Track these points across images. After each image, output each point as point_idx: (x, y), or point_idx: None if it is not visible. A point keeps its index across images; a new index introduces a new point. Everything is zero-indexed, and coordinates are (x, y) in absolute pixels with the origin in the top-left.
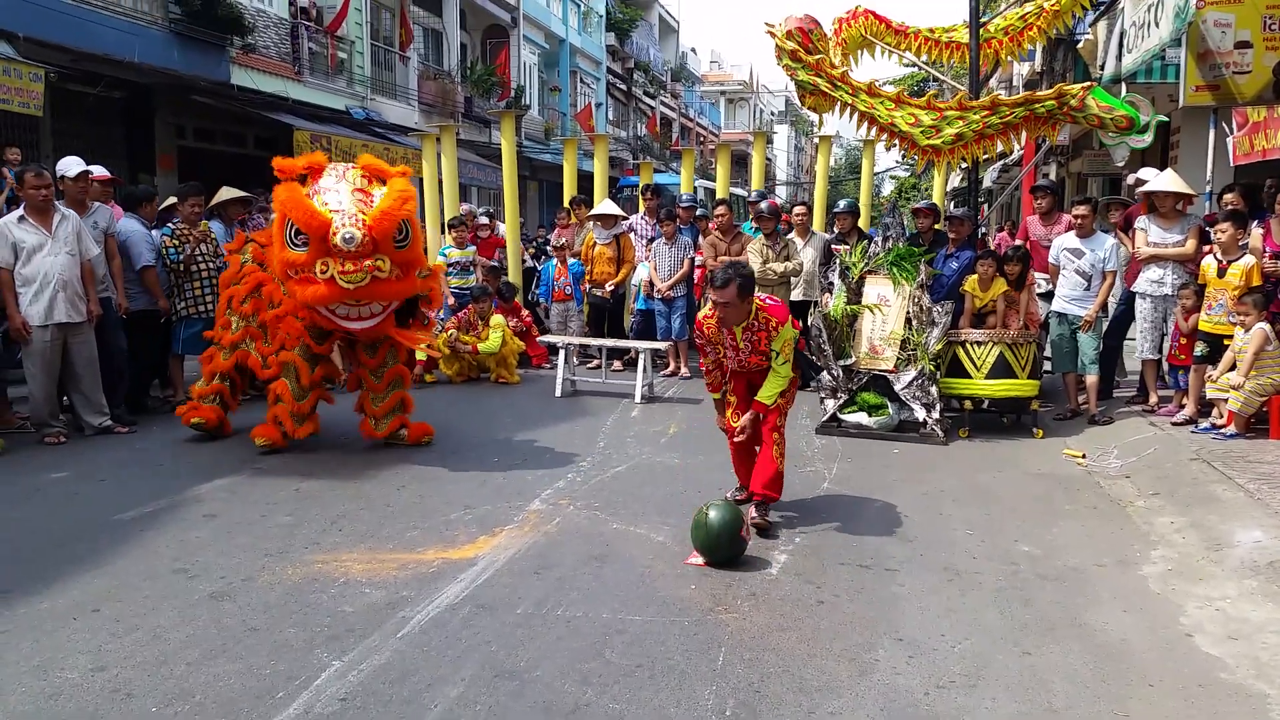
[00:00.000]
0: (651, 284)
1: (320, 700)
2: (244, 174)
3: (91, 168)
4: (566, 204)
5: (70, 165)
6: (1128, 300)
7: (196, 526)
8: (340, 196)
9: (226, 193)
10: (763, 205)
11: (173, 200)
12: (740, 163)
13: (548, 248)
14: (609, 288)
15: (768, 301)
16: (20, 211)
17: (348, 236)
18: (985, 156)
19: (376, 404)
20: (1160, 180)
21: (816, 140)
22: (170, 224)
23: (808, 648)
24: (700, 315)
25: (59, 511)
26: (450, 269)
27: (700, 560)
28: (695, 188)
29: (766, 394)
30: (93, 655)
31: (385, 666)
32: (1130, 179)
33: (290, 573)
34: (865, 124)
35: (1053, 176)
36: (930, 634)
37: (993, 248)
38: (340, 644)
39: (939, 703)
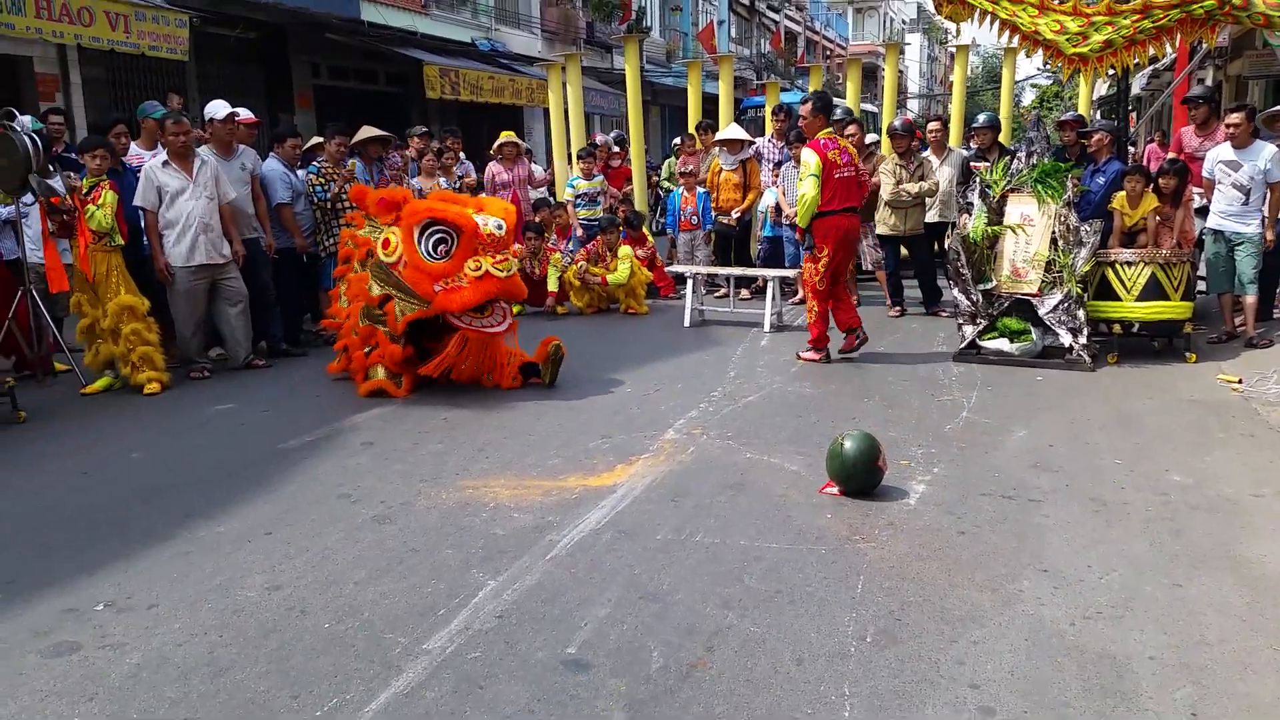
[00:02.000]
0: (779, 209)
1: (479, 617)
2: (377, 110)
3: (237, 110)
4: (691, 129)
5: (217, 109)
6: None
7: (355, 454)
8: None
9: (366, 131)
10: (896, 122)
11: (316, 140)
12: (870, 76)
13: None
14: (735, 215)
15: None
16: (164, 155)
17: (497, 223)
18: (1136, 64)
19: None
20: None
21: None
22: (316, 162)
23: (948, 577)
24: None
25: (228, 440)
26: (578, 200)
27: (836, 490)
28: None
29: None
30: (268, 575)
31: (536, 587)
32: None
33: (444, 497)
34: (1007, 32)
35: (1209, 81)
36: (1076, 565)
37: (1142, 161)
38: (494, 565)
39: (1085, 634)
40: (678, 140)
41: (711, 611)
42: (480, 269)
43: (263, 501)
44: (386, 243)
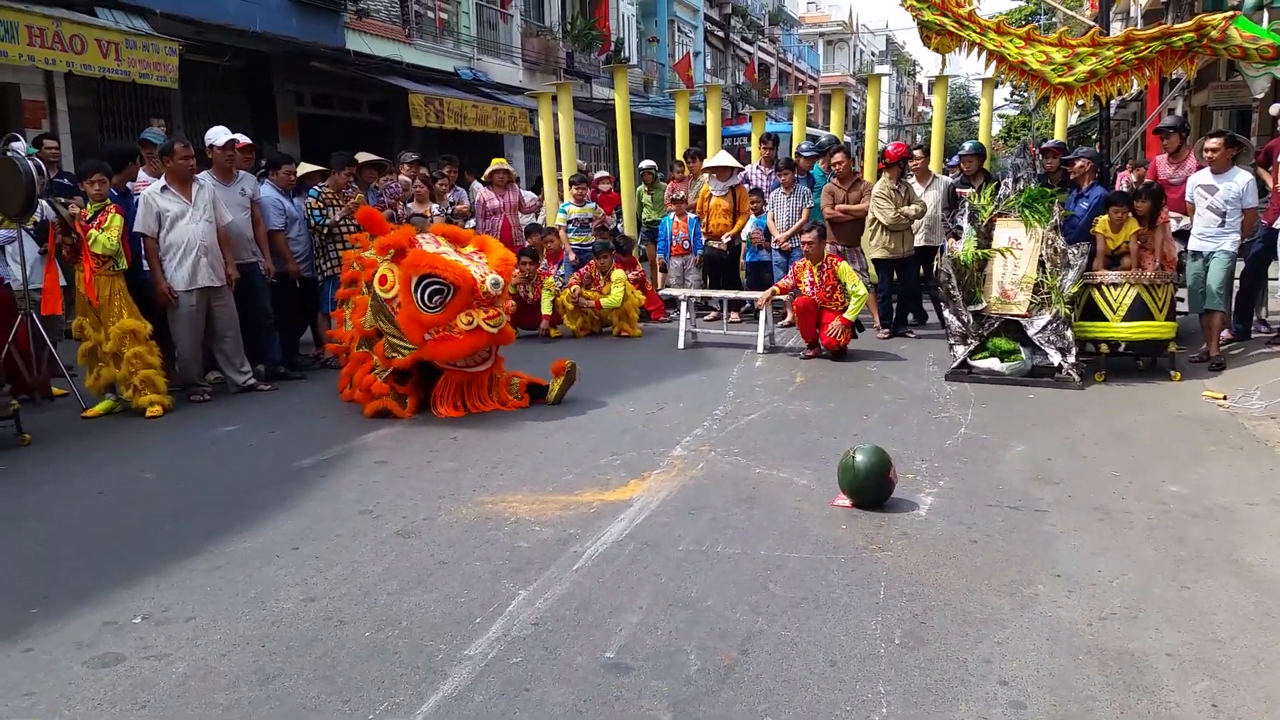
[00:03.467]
0: (767, 234)
1: (515, 625)
2: (360, 139)
3: (236, 136)
4: (680, 157)
5: (218, 135)
6: (1267, 238)
7: (371, 472)
8: (456, 255)
9: (362, 157)
10: (890, 148)
11: (308, 169)
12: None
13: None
14: (726, 239)
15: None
16: (162, 181)
17: (495, 281)
18: (1120, 95)
19: (512, 392)
20: None
21: (923, 81)
22: (316, 188)
23: (966, 583)
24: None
25: (241, 460)
26: (570, 225)
27: (848, 502)
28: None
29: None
30: (301, 588)
31: (568, 596)
32: (1274, 109)
33: (465, 512)
34: (994, 63)
35: (1178, 111)
36: (1087, 570)
37: (1120, 187)
38: (523, 575)
39: (1103, 633)
40: (645, 163)
41: (741, 617)
42: (473, 323)
43: (285, 518)
44: (384, 279)
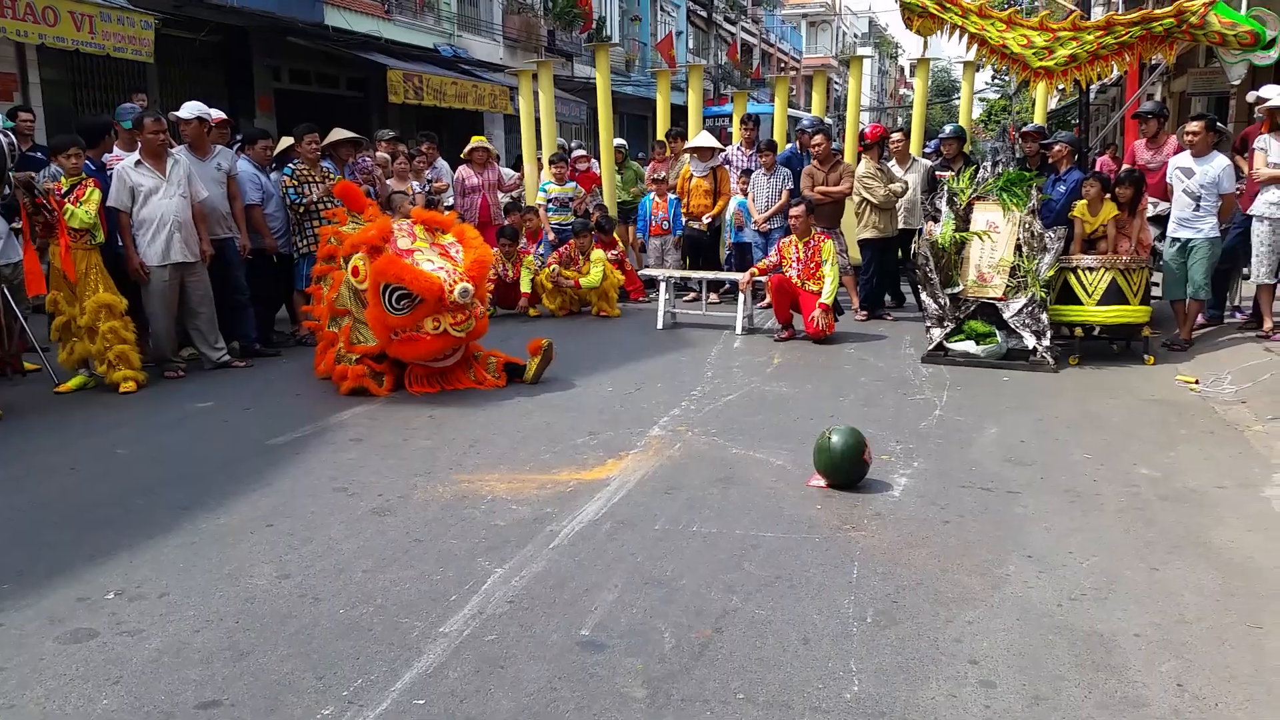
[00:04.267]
0: (747, 216)
1: (491, 602)
2: (337, 115)
3: (210, 111)
4: (662, 137)
5: (188, 110)
6: (1243, 224)
7: (345, 449)
8: (429, 255)
9: (337, 134)
10: (868, 129)
11: (288, 143)
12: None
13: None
14: (706, 220)
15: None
16: (136, 155)
17: (464, 290)
18: (1100, 79)
19: (489, 371)
20: None
21: (905, 63)
22: (290, 164)
23: (939, 563)
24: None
25: (215, 436)
26: (550, 205)
27: (823, 482)
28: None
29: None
30: (276, 564)
31: (543, 574)
32: (1250, 96)
33: (441, 491)
34: (975, 46)
35: (1157, 97)
36: (1057, 551)
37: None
38: (499, 554)
39: (1072, 613)
40: (615, 141)
41: (716, 596)
42: (440, 328)
43: (259, 495)
44: (356, 271)
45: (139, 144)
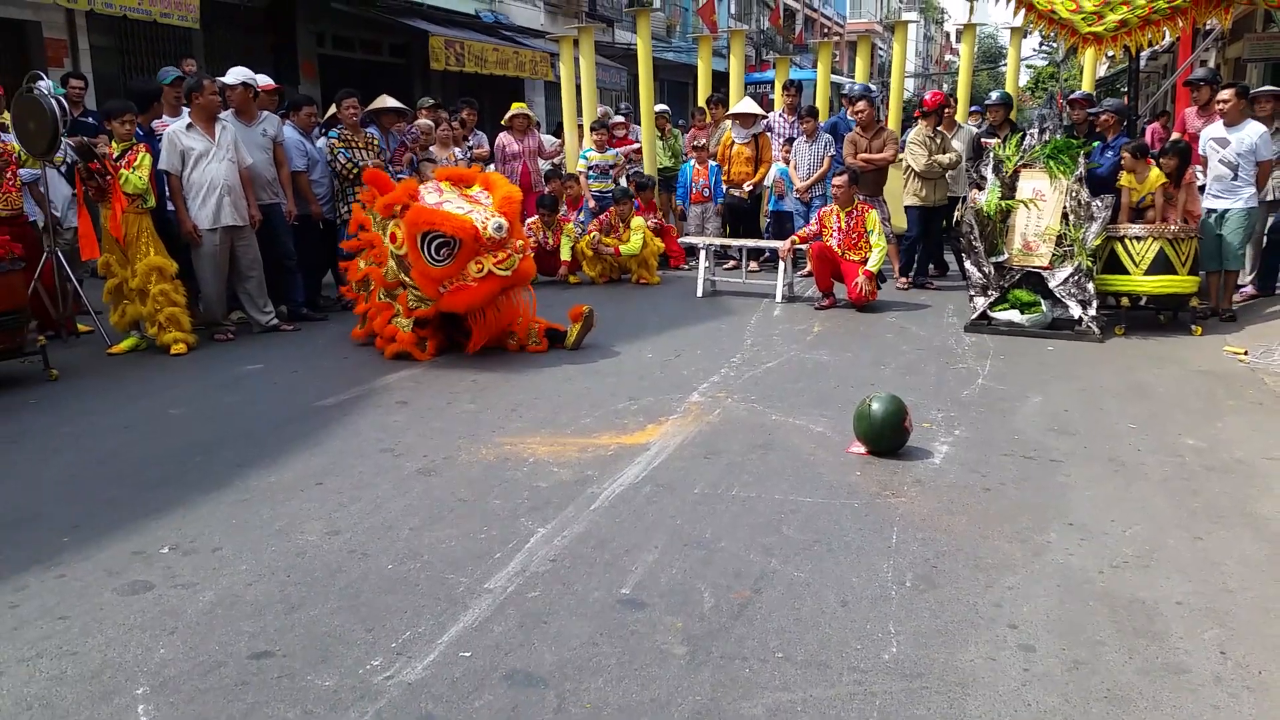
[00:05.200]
0: (789, 183)
1: (534, 561)
2: (380, 82)
3: (256, 77)
4: (703, 103)
5: (233, 75)
6: None
7: (393, 412)
8: (458, 202)
9: (382, 101)
10: (928, 96)
11: (334, 110)
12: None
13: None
14: (747, 188)
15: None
16: (186, 119)
17: (498, 225)
18: (1151, 45)
19: (531, 337)
20: None
21: (951, 29)
22: (335, 129)
23: (979, 529)
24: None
25: (266, 397)
26: (591, 172)
27: (862, 450)
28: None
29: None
30: (325, 521)
31: (585, 534)
32: None
33: (484, 453)
34: (1023, 10)
35: (1211, 63)
36: (1099, 519)
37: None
38: (541, 514)
39: (1113, 581)
40: (658, 107)
41: (755, 558)
42: (483, 270)
43: (309, 455)
44: (394, 237)
45: (188, 107)
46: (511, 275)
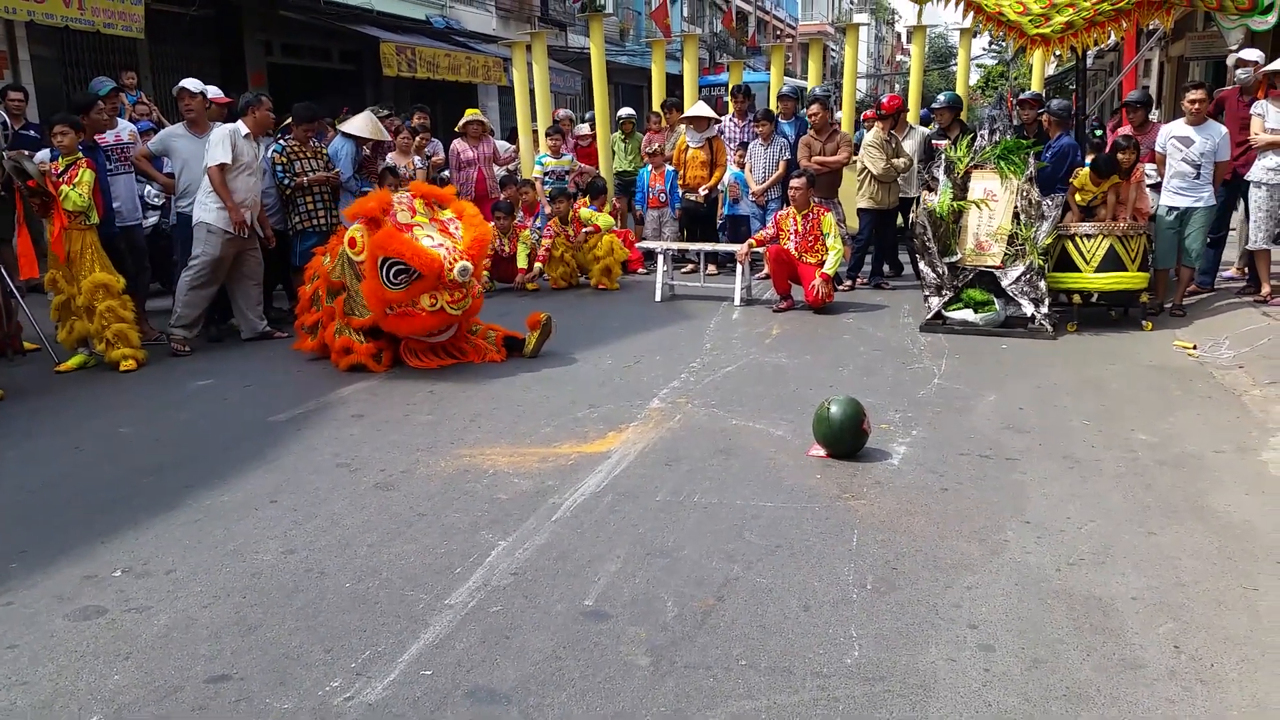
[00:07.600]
0: (743, 186)
1: (495, 575)
2: (330, 88)
3: (208, 88)
4: (657, 108)
5: (185, 85)
6: (1226, 189)
7: (348, 425)
8: (429, 231)
9: (355, 126)
10: (885, 100)
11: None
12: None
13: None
14: (702, 192)
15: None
16: (245, 129)
17: (464, 269)
18: (1097, 45)
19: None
20: None
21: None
22: (280, 142)
23: (938, 530)
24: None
25: (217, 414)
26: (546, 178)
27: (822, 452)
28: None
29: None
30: (281, 540)
31: (546, 546)
32: (1231, 60)
33: (443, 465)
34: (971, 13)
35: (1155, 62)
36: (1056, 517)
37: (1105, 146)
38: (502, 527)
39: (1070, 578)
40: (624, 111)
41: (718, 565)
42: (436, 305)
43: (263, 472)
44: (353, 242)
45: (250, 120)
46: (460, 315)
